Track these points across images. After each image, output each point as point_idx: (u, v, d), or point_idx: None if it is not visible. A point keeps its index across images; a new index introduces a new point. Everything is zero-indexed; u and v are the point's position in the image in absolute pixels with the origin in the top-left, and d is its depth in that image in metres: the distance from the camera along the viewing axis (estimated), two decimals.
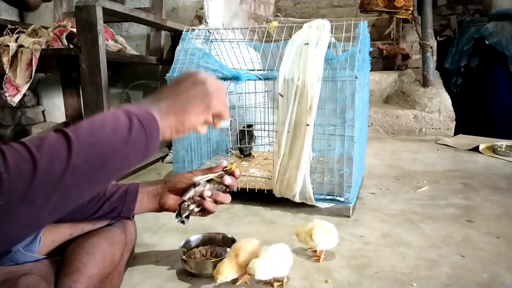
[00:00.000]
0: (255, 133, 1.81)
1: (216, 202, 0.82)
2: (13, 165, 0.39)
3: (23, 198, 0.40)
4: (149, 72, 2.71)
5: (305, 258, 1.04)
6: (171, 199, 0.86)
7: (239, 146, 1.78)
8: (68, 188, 0.43)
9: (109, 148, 0.47)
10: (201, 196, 0.81)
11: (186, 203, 0.80)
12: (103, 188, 0.49)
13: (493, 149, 2.15)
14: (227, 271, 0.85)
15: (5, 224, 0.39)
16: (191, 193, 0.81)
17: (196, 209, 0.82)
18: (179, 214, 0.80)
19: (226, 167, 0.85)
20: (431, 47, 2.71)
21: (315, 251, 1.05)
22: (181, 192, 0.84)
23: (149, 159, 0.53)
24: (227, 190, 0.83)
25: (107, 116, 0.49)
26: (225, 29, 1.78)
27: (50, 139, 0.44)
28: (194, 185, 0.82)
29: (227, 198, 0.83)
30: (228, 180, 0.80)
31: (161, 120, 0.53)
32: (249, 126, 1.72)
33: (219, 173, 0.83)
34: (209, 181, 0.83)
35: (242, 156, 1.80)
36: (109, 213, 0.84)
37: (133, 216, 0.89)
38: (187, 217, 0.81)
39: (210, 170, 0.86)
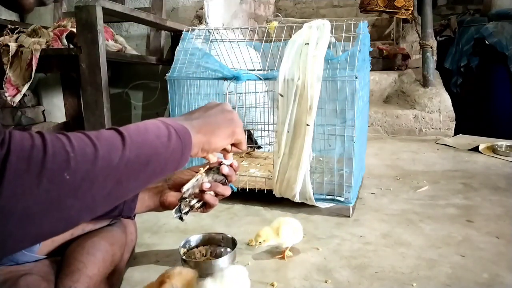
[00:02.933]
0: (253, 133, 1.83)
1: (216, 195, 0.81)
2: (78, 147, 0.43)
3: (86, 178, 0.43)
4: (149, 72, 2.71)
5: (305, 258, 1.04)
6: (172, 196, 0.86)
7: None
8: (120, 178, 0.47)
9: (153, 151, 0.51)
10: (201, 190, 0.80)
11: (187, 199, 0.80)
12: (139, 190, 0.54)
13: (493, 149, 2.14)
14: None
15: (70, 201, 0.42)
16: (190, 187, 0.80)
17: (197, 204, 0.81)
18: (178, 210, 0.80)
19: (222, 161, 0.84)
20: (431, 47, 2.71)
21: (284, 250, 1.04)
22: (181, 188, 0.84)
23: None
24: (226, 182, 0.83)
25: (148, 123, 0.54)
26: (225, 29, 1.78)
27: (106, 132, 0.48)
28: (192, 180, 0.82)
29: (227, 190, 0.82)
30: (225, 169, 0.80)
31: (193, 136, 0.58)
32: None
33: (217, 166, 0.83)
34: (207, 174, 0.82)
35: (255, 148, 1.82)
36: (110, 212, 0.84)
37: (134, 216, 0.89)
38: (186, 213, 0.80)
39: (208, 165, 0.85)
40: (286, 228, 1.01)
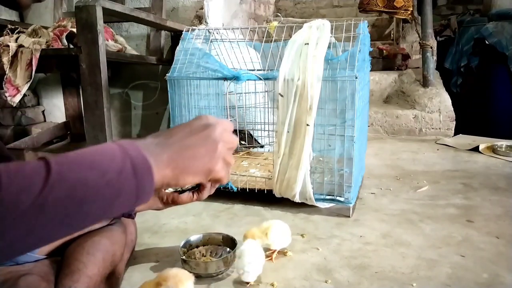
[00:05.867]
0: (251, 133, 1.84)
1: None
2: None
3: None
4: (149, 72, 2.71)
5: (305, 258, 1.04)
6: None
7: (252, 145, 1.84)
8: (32, 226, 0.38)
9: (91, 192, 0.42)
10: None
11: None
12: (77, 231, 0.46)
13: (493, 149, 2.14)
14: None
15: None
16: None
17: (189, 185, 0.79)
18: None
19: None
20: (431, 47, 2.71)
21: (273, 252, 1.05)
22: None
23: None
24: None
25: (102, 152, 0.45)
26: (225, 29, 1.78)
27: (29, 165, 0.40)
28: None
29: None
30: None
31: (157, 171, 0.47)
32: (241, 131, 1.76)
33: None
34: None
35: (256, 147, 1.85)
36: None
37: (134, 215, 0.89)
38: (181, 192, 0.78)
39: None
40: (274, 230, 1.02)
